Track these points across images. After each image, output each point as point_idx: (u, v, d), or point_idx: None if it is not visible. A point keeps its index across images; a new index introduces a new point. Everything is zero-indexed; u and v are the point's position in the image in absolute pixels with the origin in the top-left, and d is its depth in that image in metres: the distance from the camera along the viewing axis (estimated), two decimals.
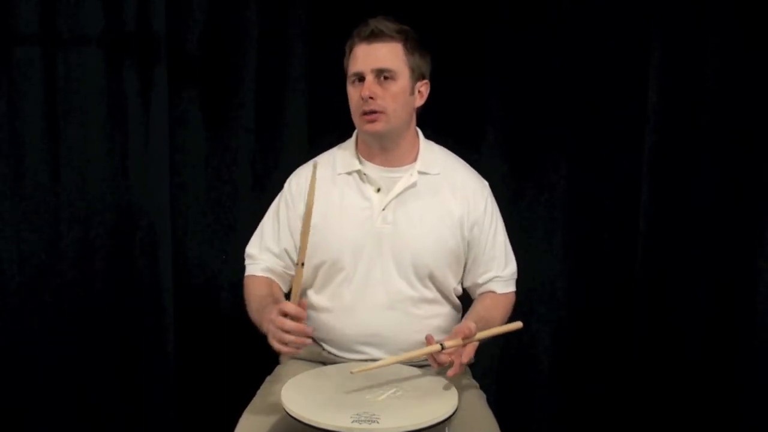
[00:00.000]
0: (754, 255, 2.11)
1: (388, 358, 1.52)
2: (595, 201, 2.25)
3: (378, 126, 1.63)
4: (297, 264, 1.48)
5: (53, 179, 2.18)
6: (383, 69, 1.63)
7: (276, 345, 1.46)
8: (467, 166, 1.79)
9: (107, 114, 2.17)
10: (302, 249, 1.45)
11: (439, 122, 2.13)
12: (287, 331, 1.44)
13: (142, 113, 2.18)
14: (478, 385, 1.74)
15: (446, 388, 1.45)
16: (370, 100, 1.61)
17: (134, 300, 2.23)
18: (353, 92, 1.66)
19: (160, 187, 2.21)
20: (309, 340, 1.48)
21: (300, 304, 1.47)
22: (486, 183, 1.78)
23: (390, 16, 1.69)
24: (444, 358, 1.49)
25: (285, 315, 1.45)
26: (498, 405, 1.80)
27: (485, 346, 1.60)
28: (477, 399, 1.65)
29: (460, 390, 1.47)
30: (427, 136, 1.88)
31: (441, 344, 1.48)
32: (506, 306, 1.77)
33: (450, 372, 1.49)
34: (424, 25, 1.81)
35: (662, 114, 2.18)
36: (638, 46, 2.18)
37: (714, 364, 2.18)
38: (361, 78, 1.64)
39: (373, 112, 1.62)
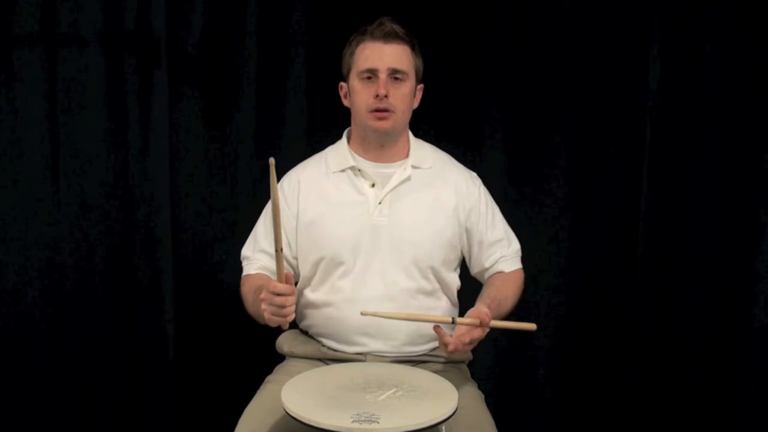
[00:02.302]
0: (753, 255, 2.11)
1: (400, 313, 1.54)
2: (595, 201, 2.25)
3: (387, 124, 1.67)
4: (276, 251, 1.46)
5: (53, 179, 2.17)
6: (398, 69, 1.67)
7: (275, 320, 1.48)
8: (456, 161, 1.84)
9: (107, 114, 2.17)
10: (277, 238, 1.44)
11: (440, 122, 2.14)
12: (281, 306, 1.45)
13: (142, 113, 2.18)
14: (476, 384, 1.74)
15: (446, 388, 1.45)
16: (384, 99, 1.65)
17: (134, 300, 2.23)
18: (363, 88, 1.68)
19: (160, 187, 2.20)
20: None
21: (286, 280, 1.47)
22: (475, 174, 1.83)
23: (390, 16, 1.71)
24: (453, 346, 1.50)
25: (276, 295, 1.45)
26: (498, 405, 1.80)
27: (484, 345, 1.60)
28: (475, 399, 1.65)
29: (459, 390, 1.47)
30: (428, 136, 1.88)
31: (452, 318, 1.50)
32: (516, 282, 1.78)
33: (450, 347, 1.50)
34: (425, 25, 1.82)
35: (662, 113, 2.18)
36: (638, 45, 2.18)
37: (714, 364, 2.18)
38: (373, 75, 1.66)
39: (386, 110, 1.66)
